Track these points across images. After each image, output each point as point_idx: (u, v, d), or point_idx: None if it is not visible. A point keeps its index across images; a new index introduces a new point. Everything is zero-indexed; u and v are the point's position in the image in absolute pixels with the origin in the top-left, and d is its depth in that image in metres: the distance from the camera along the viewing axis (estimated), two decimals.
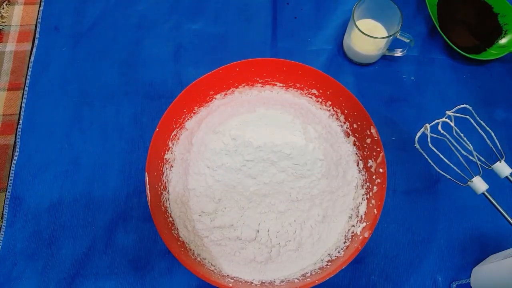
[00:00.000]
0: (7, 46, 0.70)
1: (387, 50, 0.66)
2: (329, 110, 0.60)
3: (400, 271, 0.57)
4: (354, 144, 0.59)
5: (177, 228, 0.54)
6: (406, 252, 0.58)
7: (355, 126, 0.58)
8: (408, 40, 0.62)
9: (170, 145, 0.57)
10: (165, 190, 0.55)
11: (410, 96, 0.66)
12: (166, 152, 0.56)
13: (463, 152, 0.48)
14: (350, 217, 0.55)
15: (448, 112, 0.49)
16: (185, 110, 0.58)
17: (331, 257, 0.52)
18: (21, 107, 0.64)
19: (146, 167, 0.52)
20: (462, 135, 0.48)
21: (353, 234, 0.53)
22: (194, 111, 0.59)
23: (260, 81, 0.60)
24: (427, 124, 0.48)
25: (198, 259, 0.52)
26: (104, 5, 0.71)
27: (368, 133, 0.56)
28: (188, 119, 0.59)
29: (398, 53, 0.66)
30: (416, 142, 0.49)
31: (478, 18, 0.70)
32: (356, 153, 0.58)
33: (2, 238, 0.57)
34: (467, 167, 0.48)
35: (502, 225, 0.50)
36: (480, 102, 0.67)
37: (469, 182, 0.49)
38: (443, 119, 0.48)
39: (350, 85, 0.66)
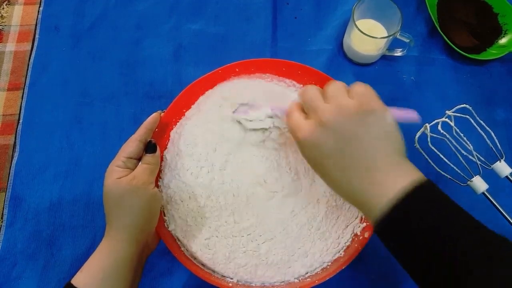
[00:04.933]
0: (7, 46, 0.70)
1: (387, 50, 0.66)
2: None
3: (400, 271, 0.57)
4: None
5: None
6: None
7: None
8: (408, 40, 0.62)
9: (169, 145, 0.57)
10: (163, 190, 0.55)
11: (410, 96, 0.66)
12: (165, 152, 0.56)
13: (463, 152, 0.48)
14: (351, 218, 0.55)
15: (448, 112, 0.49)
16: (184, 110, 0.58)
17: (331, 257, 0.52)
18: (21, 107, 0.64)
19: None
20: (462, 135, 0.48)
21: (353, 234, 0.53)
22: None
23: (259, 82, 0.60)
24: (427, 124, 0.49)
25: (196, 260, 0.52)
26: (104, 5, 0.71)
27: None
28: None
29: (398, 53, 0.66)
30: (416, 142, 0.49)
31: (478, 18, 0.70)
32: None
33: (2, 238, 0.57)
34: (467, 167, 0.48)
35: (502, 225, 0.49)
36: (480, 102, 0.67)
37: (469, 182, 0.49)
38: (443, 119, 0.48)
39: None
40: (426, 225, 0.34)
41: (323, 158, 0.40)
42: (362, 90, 0.40)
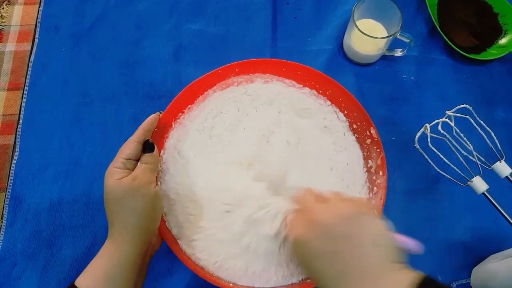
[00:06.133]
0: (7, 46, 0.70)
1: (387, 50, 0.66)
2: None
3: None
4: None
5: None
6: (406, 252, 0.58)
7: (354, 126, 0.58)
8: (408, 40, 0.62)
9: (167, 145, 0.57)
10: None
11: (410, 96, 0.66)
12: (164, 152, 0.56)
13: (463, 152, 0.48)
14: None
15: (448, 112, 0.49)
16: (183, 111, 0.58)
17: None
18: (21, 107, 0.64)
19: None
20: (462, 135, 0.48)
21: None
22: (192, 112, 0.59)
23: (259, 82, 0.60)
24: (427, 124, 0.49)
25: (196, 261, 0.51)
26: (104, 5, 0.71)
27: (368, 133, 0.56)
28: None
29: (398, 53, 0.66)
30: (417, 142, 0.49)
31: (478, 18, 0.70)
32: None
33: (2, 238, 0.57)
34: (467, 167, 0.48)
35: (502, 225, 0.50)
36: (480, 102, 0.66)
37: (469, 182, 0.49)
38: (443, 119, 0.48)
39: (350, 85, 0.66)
40: None
41: (314, 259, 0.39)
42: (357, 198, 0.41)
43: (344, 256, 0.37)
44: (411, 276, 0.35)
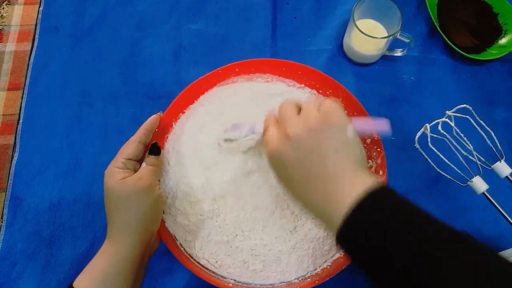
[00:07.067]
0: (7, 46, 0.70)
1: (387, 50, 0.66)
2: None
3: None
4: None
5: None
6: None
7: None
8: (408, 40, 0.62)
9: (167, 145, 0.57)
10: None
11: (410, 96, 0.66)
12: (164, 152, 0.56)
13: (463, 152, 0.48)
14: None
15: (448, 112, 0.49)
16: (184, 111, 0.58)
17: (332, 257, 0.52)
18: (21, 107, 0.64)
19: None
20: (462, 135, 0.48)
21: None
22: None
23: (259, 81, 0.60)
24: (427, 124, 0.49)
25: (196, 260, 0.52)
26: (104, 5, 0.71)
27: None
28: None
29: (398, 53, 0.66)
30: (416, 142, 0.49)
31: (478, 18, 0.70)
32: None
33: (2, 238, 0.57)
34: (467, 167, 0.48)
35: (502, 225, 0.50)
36: (480, 102, 0.67)
37: (469, 182, 0.49)
38: (443, 119, 0.48)
39: (350, 85, 0.66)
40: (380, 231, 0.34)
41: (285, 169, 0.41)
42: (329, 105, 0.42)
43: (309, 163, 0.39)
44: (369, 182, 0.36)
